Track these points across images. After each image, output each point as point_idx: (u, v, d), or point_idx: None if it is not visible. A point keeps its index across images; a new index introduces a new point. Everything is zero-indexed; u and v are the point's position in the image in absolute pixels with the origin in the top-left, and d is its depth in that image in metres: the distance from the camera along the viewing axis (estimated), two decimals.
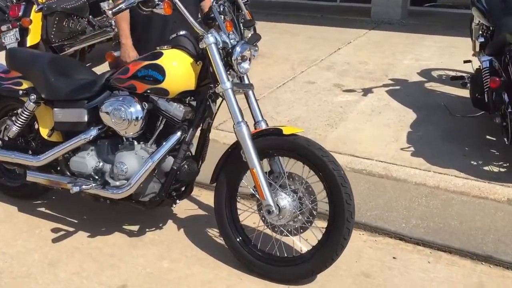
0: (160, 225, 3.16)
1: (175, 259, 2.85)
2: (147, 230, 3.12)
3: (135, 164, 2.82)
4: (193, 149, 2.92)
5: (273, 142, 2.62)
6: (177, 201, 2.95)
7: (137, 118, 2.78)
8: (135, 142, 2.88)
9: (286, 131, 2.58)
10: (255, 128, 2.81)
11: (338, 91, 5.07)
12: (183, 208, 3.27)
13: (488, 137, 4.04)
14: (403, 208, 3.20)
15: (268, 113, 4.54)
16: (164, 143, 2.78)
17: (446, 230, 3.00)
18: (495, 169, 3.55)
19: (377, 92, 5.01)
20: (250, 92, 2.84)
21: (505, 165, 3.58)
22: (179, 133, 2.78)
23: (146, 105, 2.80)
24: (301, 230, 2.65)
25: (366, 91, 5.03)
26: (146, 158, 2.79)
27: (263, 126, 2.80)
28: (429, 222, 3.07)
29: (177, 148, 2.79)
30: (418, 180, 3.44)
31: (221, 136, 4.09)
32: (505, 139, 3.69)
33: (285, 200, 2.59)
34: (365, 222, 3.12)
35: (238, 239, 2.73)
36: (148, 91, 2.77)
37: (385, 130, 4.20)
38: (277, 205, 2.57)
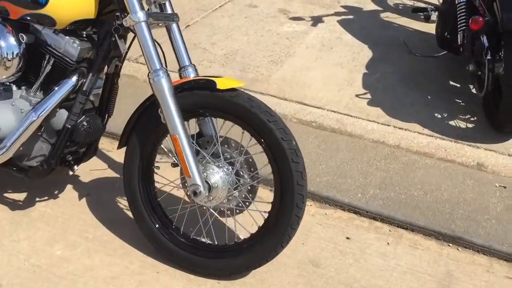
0: (55, 192, 2.46)
1: (71, 243, 2.19)
2: (37, 199, 2.41)
3: (12, 119, 2.06)
4: (97, 100, 2.20)
5: (203, 100, 1.93)
6: (75, 167, 2.25)
7: (11, 55, 1.99)
8: (13, 89, 2.10)
9: (221, 84, 1.89)
10: (180, 77, 2.10)
11: (284, 19, 4.33)
12: (87, 168, 2.57)
13: (451, 82, 3.53)
14: (359, 173, 2.67)
15: (200, 44, 3.78)
16: (52, 91, 2.03)
17: (409, 203, 2.51)
18: (462, 125, 3.06)
19: (328, 22, 4.33)
20: (174, 26, 2.09)
21: (472, 119, 3.10)
22: (74, 78, 2.03)
23: (25, 37, 2.00)
24: (238, 211, 2.06)
25: (316, 20, 4.33)
26: (28, 112, 2.03)
27: (191, 74, 2.09)
28: (389, 192, 2.57)
29: (72, 99, 2.05)
30: (376, 136, 2.90)
31: (142, 72, 3.32)
32: (474, 89, 3.19)
33: (217, 175, 1.96)
34: (314, 191, 2.57)
35: (155, 223, 2.10)
36: (27, 17, 1.96)
37: (338, 70, 3.58)
38: (207, 182, 1.94)
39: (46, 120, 2.07)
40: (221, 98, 1.90)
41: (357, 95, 3.29)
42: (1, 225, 2.25)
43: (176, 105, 1.88)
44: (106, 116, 2.23)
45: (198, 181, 1.90)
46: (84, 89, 2.03)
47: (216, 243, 2.10)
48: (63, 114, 2.08)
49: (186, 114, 1.94)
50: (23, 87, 2.13)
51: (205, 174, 1.96)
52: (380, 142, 2.86)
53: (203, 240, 2.11)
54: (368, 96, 3.30)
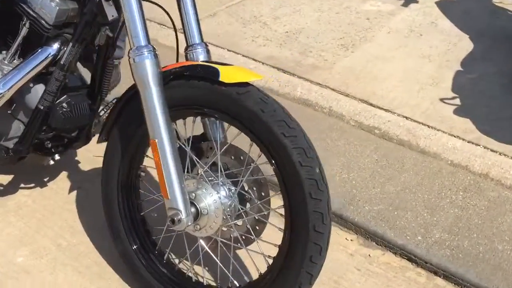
0: (46, 179, 2.06)
1: (39, 250, 1.78)
2: (21, 185, 2.03)
3: None
4: (89, 78, 1.74)
5: (198, 94, 1.39)
6: (56, 156, 1.82)
7: None
8: None
9: (226, 75, 1.34)
10: (186, 59, 1.57)
11: None
12: (91, 153, 2.15)
13: None
14: (424, 206, 2.01)
15: (261, 17, 3.21)
16: (25, 61, 1.60)
17: (488, 260, 1.83)
18: None
19: (423, 2, 3.56)
20: None
21: None
22: (53, 47, 1.59)
23: None
24: (239, 245, 1.53)
25: None
26: None
27: (199, 56, 1.56)
28: (462, 239, 1.90)
29: (51, 73, 1.61)
30: (457, 158, 2.21)
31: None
32: None
33: (210, 198, 1.44)
34: (358, 221, 1.96)
35: (132, 243, 1.62)
36: None
37: (423, 64, 2.87)
38: (194, 204, 1.43)
39: (20, 96, 1.66)
40: (222, 94, 1.35)
41: (442, 99, 2.58)
42: None
43: (161, 98, 1.36)
44: (99, 97, 1.76)
45: (179, 205, 1.38)
46: (62, 62, 1.58)
47: (205, 283, 1.59)
48: (39, 91, 1.65)
49: (174, 111, 1.42)
50: (2, 51, 1.72)
51: (193, 194, 1.44)
52: (461, 167, 2.17)
53: (190, 275, 1.60)
54: (457, 102, 2.57)
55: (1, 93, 1.59)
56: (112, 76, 1.73)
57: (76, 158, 2.18)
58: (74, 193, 2.02)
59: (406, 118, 2.41)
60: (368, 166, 2.17)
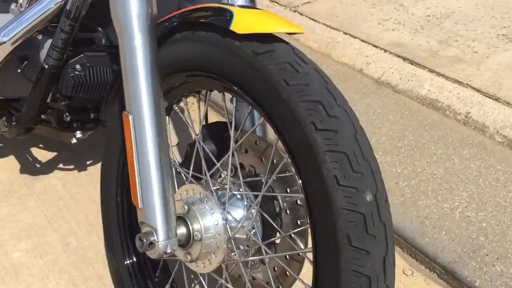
0: (89, 162, 1.74)
1: (41, 247, 1.43)
2: (59, 166, 1.72)
3: None
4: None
5: (202, 52, 0.88)
6: (78, 133, 1.46)
7: None
8: None
9: (241, 22, 0.81)
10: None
11: None
12: None
13: None
14: None
15: None
16: (33, 6, 1.25)
17: None
18: None
19: None
20: None
21: None
22: None
23: None
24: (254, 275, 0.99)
25: None
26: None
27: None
28: None
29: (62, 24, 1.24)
30: None
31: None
32: None
33: (210, 217, 0.92)
34: (481, 287, 1.27)
35: (126, 258, 1.17)
36: None
37: None
38: (184, 223, 0.93)
39: (29, 51, 1.33)
40: (232, 53, 0.83)
41: None
42: (0, 186, 1.64)
43: (149, 52, 0.89)
44: None
45: (154, 221, 0.89)
46: (68, 7, 1.19)
47: None
48: (47, 46, 1.29)
49: (170, 76, 0.94)
50: None
51: (186, 206, 0.94)
52: None
53: None
54: None
55: (1, 43, 1.27)
56: None
57: None
58: None
59: None
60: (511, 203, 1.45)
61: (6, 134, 1.43)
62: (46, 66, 1.26)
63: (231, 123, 0.95)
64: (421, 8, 2.45)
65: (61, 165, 1.74)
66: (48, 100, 1.37)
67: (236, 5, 0.97)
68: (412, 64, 2.01)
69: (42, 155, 1.78)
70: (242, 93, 0.84)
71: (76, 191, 1.63)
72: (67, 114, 1.40)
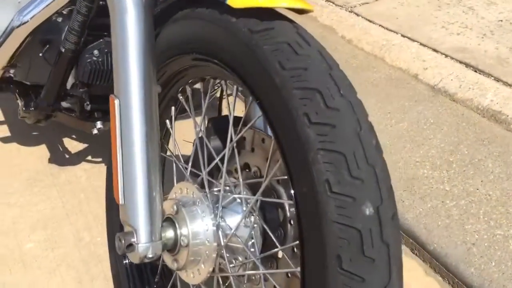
0: (89, 156, 1.68)
1: (54, 239, 1.37)
2: (88, 158, 1.68)
3: (4, 14, 1.32)
4: None
5: (198, 31, 0.77)
6: (98, 124, 1.39)
7: None
8: None
9: (235, 2, 0.70)
10: None
11: None
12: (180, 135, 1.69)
13: None
14: None
15: (469, 2, 2.32)
16: None
17: None
18: None
19: None
20: None
21: None
22: None
23: None
24: None
25: None
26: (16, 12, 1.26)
27: None
28: None
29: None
30: None
31: (346, 26, 2.18)
32: None
33: (201, 221, 0.80)
34: None
35: (126, 261, 1.08)
36: None
37: None
38: (174, 224, 0.82)
39: (50, 34, 1.28)
40: (227, 31, 0.71)
41: None
42: (18, 176, 1.61)
43: (145, 30, 0.79)
44: None
45: (136, 220, 0.78)
46: None
47: None
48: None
49: (172, 60, 0.84)
50: None
51: (175, 207, 0.83)
52: None
53: None
54: None
55: (19, 24, 1.22)
56: None
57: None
58: None
59: None
60: None
61: (27, 120, 1.40)
62: (63, 50, 1.21)
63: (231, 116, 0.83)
64: (493, 12, 2.22)
65: (89, 157, 1.69)
66: (68, 87, 1.32)
67: None
68: (475, 71, 1.80)
69: (73, 146, 1.74)
70: (238, 78, 0.72)
71: (98, 185, 1.57)
72: (88, 103, 1.34)
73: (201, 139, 0.91)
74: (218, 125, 0.94)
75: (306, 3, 0.69)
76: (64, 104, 1.34)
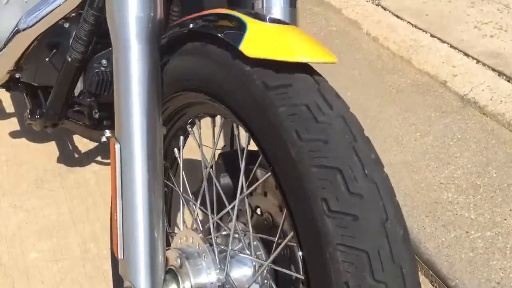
0: (99, 157, 1.62)
1: (60, 248, 1.33)
2: (97, 158, 1.63)
3: (7, 19, 1.25)
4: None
5: (206, 73, 0.70)
6: (107, 132, 1.33)
7: None
8: None
9: (254, 41, 0.61)
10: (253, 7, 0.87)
11: None
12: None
13: None
14: None
15: (509, 3, 2.17)
16: None
17: None
18: None
19: None
20: None
21: None
22: None
23: None
24: None
25: None
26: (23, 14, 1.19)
27: (270, 7, 0.84)
28: None
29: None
30: None
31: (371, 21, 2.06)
32: None
33: (208, 277, 0.75)
34: None
35: None
36: None
37: None
38: (177, 278, 0.76)
39: (57, 39, 1.21)
40: (239, 81, 0.63)
41: None
42: (25, 176, 1.56)
43: (150, 65, 0.72)
44: None
45: (139, 280, 0.72)
46: None
47: None
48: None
49: (179, 94, 0.77)
50: None
51: (179, 260, 0.76)
52: None
53: None
54: None
55: (24, 28, 1.15)
56: None
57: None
58: None
59: None
60: None
61: (33, 126, 1.34)
62: (69, 59, 1.14)
63: (242, 152, 0.76)
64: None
65: (99, 158, 1.64)
66: (76, 94, 1.26)
67: (263, 8, 0.77)
68: (508, 81, 1.69)
69: (83, 144, 1.69)
70: (248, 131, 0.64)
71: (106, 190, 1.51)
72: (96, 111, 1.28)
73: (209, 178, 0.84)
74: (229, 161, 0.87)
75: (329, 54, 0.61)
76: (72, 111, 1.28)
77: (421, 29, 1.97)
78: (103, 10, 1.04)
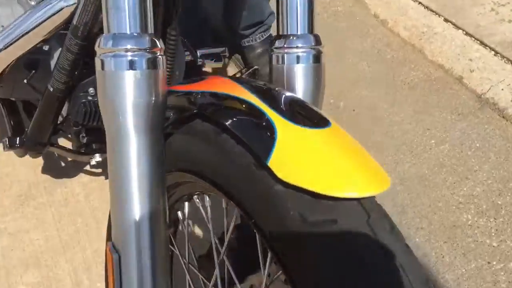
0: (87, 166, 1.50)
1: (49, 280, 1.23)
2: (86, 168, 1.50)
3: None
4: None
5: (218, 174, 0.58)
6: (97, 157, 1.20)
7: None
8: None
9: (286, 158, 0.49)
10: (270, 61, 0.73)
11: None
12: None
13: None
14: None
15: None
16: (32, 10, 0.96)
17: None
18: None
19: None
20: None
21: None
22: None
23: None
24: None
25: None
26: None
27: (291, 66, 0.70)
28: None
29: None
30: None
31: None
32: None
33: None
34: None
35: None
36: None
37: None
38: None
39: (39, 55, 1.05)
40: (268, 197, 0.51)
41: None
42: (8, 191, 1.44)
43: (152, 158, 0.59)
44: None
45: None
46: (74, 22, 0.89)
47: None
48: (55, 59, 1.01)
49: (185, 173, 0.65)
50: None
51: None
52: None
53: None
54: None
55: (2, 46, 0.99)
56: (177, 58, 0.99)
57: None
58: None
59: None
60: None
61: (15, 153, 1.20)
62: (51, 89, 0.99)
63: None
64: None
65: (87, 167, 1.51)
66: (60, 121, 1.12)
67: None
68: None
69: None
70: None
71: (97, 206, 1.40)
72: (83, 135, 1.14)
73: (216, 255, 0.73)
74: (241, 237, 0.76)
75: (382, 178, 0.48)
76: (55, 138, 1.14)
77: (434, 12, 1.81)
78: (88, 38, 0.90)
